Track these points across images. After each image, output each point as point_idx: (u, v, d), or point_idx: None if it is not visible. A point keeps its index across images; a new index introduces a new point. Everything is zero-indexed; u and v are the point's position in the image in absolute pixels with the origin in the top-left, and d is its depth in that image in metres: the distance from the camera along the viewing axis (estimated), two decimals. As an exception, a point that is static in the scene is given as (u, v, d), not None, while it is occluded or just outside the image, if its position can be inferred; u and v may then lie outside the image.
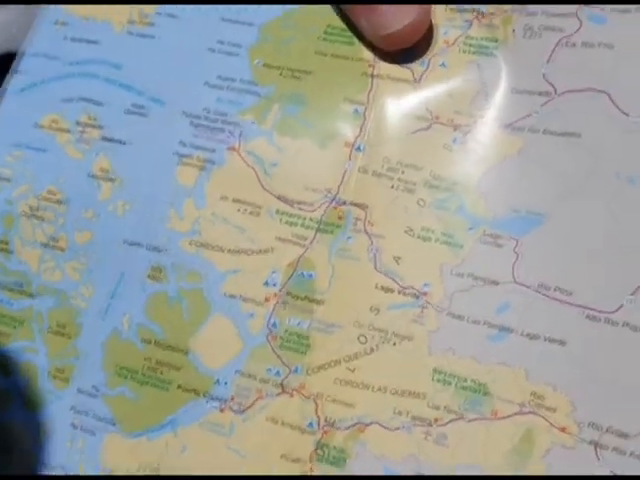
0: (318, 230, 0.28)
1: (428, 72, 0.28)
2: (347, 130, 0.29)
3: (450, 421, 0.26)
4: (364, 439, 0.26)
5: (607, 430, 0.24)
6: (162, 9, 0.32)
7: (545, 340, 0.25)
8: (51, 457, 0.29)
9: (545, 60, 0.27)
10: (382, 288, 0.27)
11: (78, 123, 0.32)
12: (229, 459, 0.27)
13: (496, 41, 0.28)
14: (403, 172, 0.28)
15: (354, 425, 0.26)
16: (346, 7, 0.29)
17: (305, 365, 0.27)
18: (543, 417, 0.24)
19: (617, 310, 0.24)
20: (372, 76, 0.29)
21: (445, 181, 0.27)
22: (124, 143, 0.31)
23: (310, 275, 0.28)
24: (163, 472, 0.28)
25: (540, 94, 0.27)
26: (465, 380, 0.26)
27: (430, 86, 0.28)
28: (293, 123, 0.29)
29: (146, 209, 0.30)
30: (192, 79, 0.31)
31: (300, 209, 0.29)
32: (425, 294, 0.27)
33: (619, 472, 0.23)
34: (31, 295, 0.31)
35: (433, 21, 0.28)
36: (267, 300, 0.28)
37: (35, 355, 0.30)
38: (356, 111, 0.29)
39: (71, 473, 0.29)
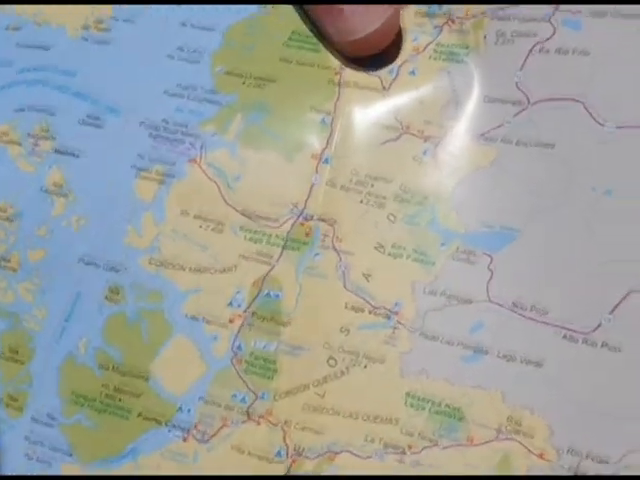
0: (284, 247, 0.27)
1: (397, 80, 0.27)
2: (314, 141, 0.27)
3: (424, 448, 0.24)
4: (335, 468, 0.25)
5: (586, 456, 0.23)
6: (119, 14, 0.31)
7: (521, 361, 0.24)
8: (4, 491, 0.27)
9: (518, 67, 0.26)
10: (352, 307, 0.26)
11: (30, 135, 0.30)
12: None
13: (467, 47, 0.27)
14: (372, 185, 0.27)
15: (324, 453, 0.25)
16: (312, 11, 0.28)
17: (272, 390, 0.26)
18: (520, 442, 0.23)
19: (595, 329, 0.23)
20: (339, 84, 0.28)
21: (416, 195, 0.26)
22: (78, 155, 0.29)
23: (276, 295, 0.27)
24: (123, 506, 0.26)
25: (513, 103, 0.26)
26: (439, 404, 0.24)
27: (399, 95, 0.27)
28: (257, 134, 0.28)
29: (102, 225, 0.29)
30: (150, 87, 0.30)
31: (265, 225, 0.27)
32: (397, 313, 0.25)
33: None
34: (-19, 319, 0.29)
35: (402, 26, 0.27)
36: (231, 321, 0.27)
37: (-14, 382, 0.28)
38: (323, 121, 0.27)
39: (25, 508, 0.27)
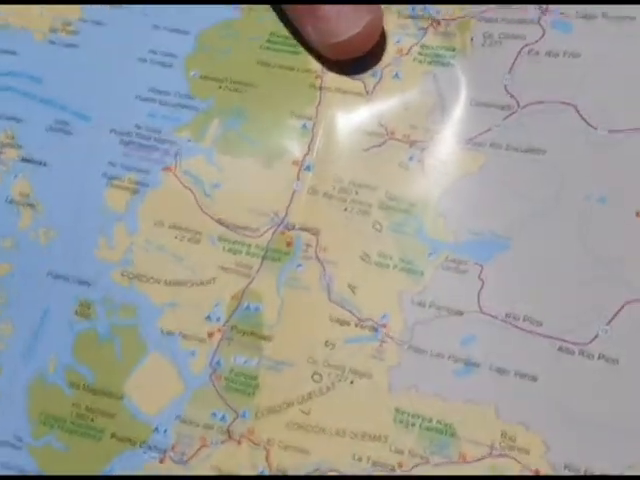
0: (264, 258, 0.26)
1: (380, 84, 0.26)
2: (294, 147, 0.26)
3: (415, 466, 0.23)
4: (320, 489, 0.24)
5: (585, 471, 0.22)
6: (88, 16, 0.30)
7: (515, 375, 0.23)
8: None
9: (506, 70, 0.25)
10: (337, 320, 0.25)
11: (-6, 143, 0.28)
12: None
13: (453, 50, 0.26)
14: (357, 193, 0.26)
15: (310, 474, 0.24)
16: (291, 12, 0.27)
17: (253, 408, 0.25)
18: (515, 459, 0.22)
19: (592, 341, 0.22)
20: (320, 88, 0.27)
21: (402, 202, 0.25)
22: (46, 164, 0.28)
23: (257, 308, 0.25)
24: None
25: (502, 107, 0.25)
26: (430, 420, 0.23)
27: (383, 99, 0.26)
28: (235, 140, 0.27)
29: (72, 237, 0.27)
30: (121, 92, 0.28)
31: (244, 235, 0.26)
32: (384, 326, 0.24)
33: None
34: (-58, 336, 0.27)
35: (385, 28, 0.26)
36: (210, 336, 0.25)
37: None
38: (304, 126, 0.26)
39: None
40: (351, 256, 0.25)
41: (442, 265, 0.24)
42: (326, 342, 0.25)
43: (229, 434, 0.25)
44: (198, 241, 0.26)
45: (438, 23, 0.26)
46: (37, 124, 0.29)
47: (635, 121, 0.23)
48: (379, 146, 0.26)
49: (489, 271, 0.24)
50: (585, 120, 0.24)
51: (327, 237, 0.25)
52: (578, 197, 0.23)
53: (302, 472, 0.24)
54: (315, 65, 0.27)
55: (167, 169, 0.27)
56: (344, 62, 0.26)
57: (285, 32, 0.27)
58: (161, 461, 0.25)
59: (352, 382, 0.24)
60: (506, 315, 0.23)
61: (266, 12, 0.28)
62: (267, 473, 0.24)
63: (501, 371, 0.23)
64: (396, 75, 0.26)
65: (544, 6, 0.25)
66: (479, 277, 0.24)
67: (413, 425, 0.24)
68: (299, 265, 0.25)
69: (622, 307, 0.22)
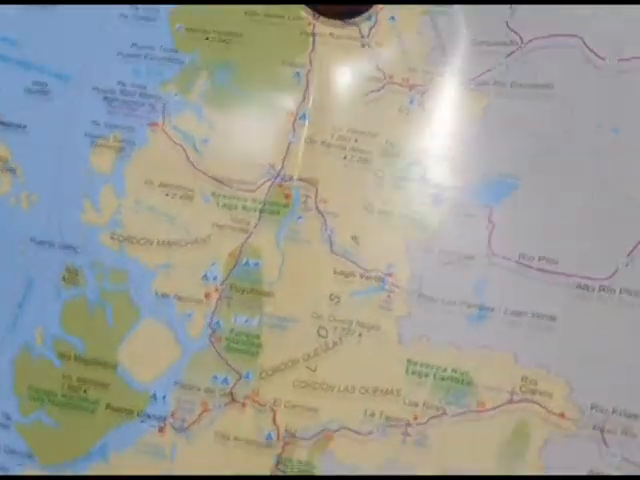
0: (262, 212, 0.24)
1: (376, 27, 0.25)
2: (288, 97, 0.25)
3: (431, 418, 0.22)
4: (332, 449, 0.23)
5: (613, 411, 0.21)
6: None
7: (532, 317, 0.22)
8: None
9: (507, 6, 0.24)
10: (341, 273, 0.24)
11: (-31, 108, 0.27)
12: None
13: (451, -12, 0.25)
14: (356, 140, 0.24)
15: (319, 433, 0.23)
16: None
17: (257, 368, 0.23)
18: (538, 404, 0.21)
19: (612, 276, 0.21)
20: (313, 35, 0.25)
21: (404, 148, 0.24)
22: (25, 127, 0.27)
23: (256, 264, 0.24)
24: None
25: (505, 44, 0.24)
26: (444, 370, 0.22)
27: (380, 43, 0.25)
28: (224, 93, 0.26)
29: (55, 201, 0.26)
30: (102, 50, 0.27)
31: (239, 189, 0.25)
32: (391, 276, 0.23)
33: (631, 459, 0.20)
34: None
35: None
36: (207, 297, 0.24)
37: None
38: (297, 75, 0.25)
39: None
40: (353, 206, 0.24)
41: (449, 210, 0.23)
42: (331, 296, 0.24)
43: (232, 397, 0.23)
44: (190, 198, 0.25)
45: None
46: (14, 87, 0.27)
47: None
48: (377, 91, 0.25)
49: (499, 213, 0.23)
50: (593, 51, 0.23)
51: (327, 188, 0.24)
52: (590, 129, 0.22)
53: (311, 432, 0.23)
54: (306, 11, 0.26)
55: (154, 125, 0.26)
56: (337, 8, 0.25)
57: (273, -21, 0.26)
58: (161, 430, 0.24)
59: (360, 335, 0.23)
60: (519, 256, 0.22)
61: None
62: (274, 436, 0.23)
63: (517, 314, 0.22)
64: (392, 18, 0.25)
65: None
66: (489, 220, 0.23)
67: (427, 376, 0.22)
68: (299, 217, 0.24)
69: (643, 237, 0.21)
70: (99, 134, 0.26)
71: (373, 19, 0.25)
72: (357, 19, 0.25)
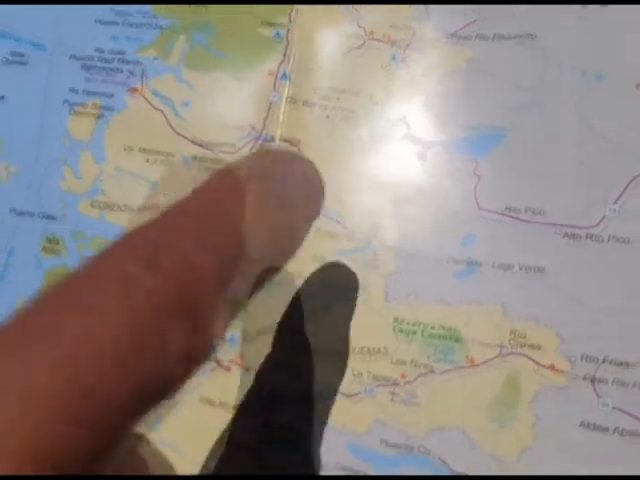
0: (244, 173, 0.24)
1: (356, -17, 0.25)
2: (268, 57, 0.25)
3: (419, 376, 0.22)
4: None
5: (603, 360, 0.20)
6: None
7: (520, 269, 0.21)
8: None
9: (488, -44, 0.23)
10: (326, 233, 0.23)
11: (-55, 79, 0.26)
12: (160, 458, 0.23)
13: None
14: (338, 99, 0.24)
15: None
16: None
17: (241, 332, 0.23)
18: (527, 356, 0.21)
19: (599, 223, 0.21)
20: (292, -7, 0.25)
21: (387, 105, 0.24)
22: (2, 97, 0.26)
23: (239, 226, 0.24)
24: None
25: (486, -5, 0.23)
26: (432, 327, 0.22)
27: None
28: (203, 55, 0.25)
29: (35, 171, 0.25)
30: (79, 17, 0.26)
31: (220, 151, 0.24)
32: (376, 234, 0.23)
33: (623, 407, 0.20)
34: None
35: None
36: (190, 261, 0.24)
37: None
38: (277, 34, 0.25)
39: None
40: (336, 166, 0.24)
41: (434, 166, 0.23)
42: (314, 256, 0.23)
43: (217, 362, 0.23)
44: (172, 163, 0.24)
45: None
46: (-10, 58, 0.27)
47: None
48: (359, 48, 0.24)
49: (485, 166, 0.22)
50: (575, -2, 0.22)
51: (310, 148, 0.24)
52: (574, 77, 0.22)
53: (297, 395, 0.22)
54: (285, -30, 0.25)
55: (133, 90, 0.25)
56: (316, -35, 0.25)
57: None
58: (145, 397, 0.23)
59: (346, 295, 0.23)
60: (506, 208, 0.22)
61: None
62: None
63: (505, 267, 0.22)
64: (372, -27, 0.25)
65: None
66: (474, 173, 0.22)
67: (414, 333, 0.22)
68: (282, 178, 0.24)
69: (630, 182, 0.21)
70: (78, 101, 0.25)
71: (352, -24, 0.25)
72: (337, -23, 0.25)
